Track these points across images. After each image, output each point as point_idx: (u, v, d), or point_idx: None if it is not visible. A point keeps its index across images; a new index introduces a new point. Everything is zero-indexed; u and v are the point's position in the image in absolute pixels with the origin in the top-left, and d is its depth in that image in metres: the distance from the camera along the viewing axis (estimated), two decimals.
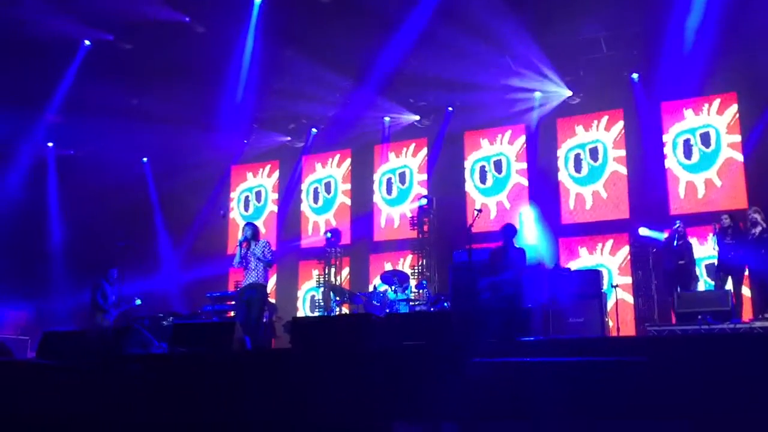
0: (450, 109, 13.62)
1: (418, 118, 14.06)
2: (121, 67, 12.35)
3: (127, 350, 7.47)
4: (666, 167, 12.09)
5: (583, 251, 12.31)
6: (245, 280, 8.90)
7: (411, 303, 11.06)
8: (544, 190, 12.83)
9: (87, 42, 12.13)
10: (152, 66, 12.32)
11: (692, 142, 11.99)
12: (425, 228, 13.14)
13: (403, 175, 14.35)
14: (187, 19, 11.42)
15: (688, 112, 12.10)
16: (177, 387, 6.10)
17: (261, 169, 15.83)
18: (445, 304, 10.38)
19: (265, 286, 9.03)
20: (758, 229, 9.56)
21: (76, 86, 12.60)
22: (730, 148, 11.70)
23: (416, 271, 12.72)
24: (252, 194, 15.80)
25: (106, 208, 13.90)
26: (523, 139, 13.33)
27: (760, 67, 10.98)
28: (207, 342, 7.10)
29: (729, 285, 9.66)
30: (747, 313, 9.83)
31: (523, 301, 8.23)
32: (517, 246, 8.48)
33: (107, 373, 6.26)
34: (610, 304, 10.07)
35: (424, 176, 14.07)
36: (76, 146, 14.97)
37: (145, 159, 15.62)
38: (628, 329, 11.05)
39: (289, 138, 15.27)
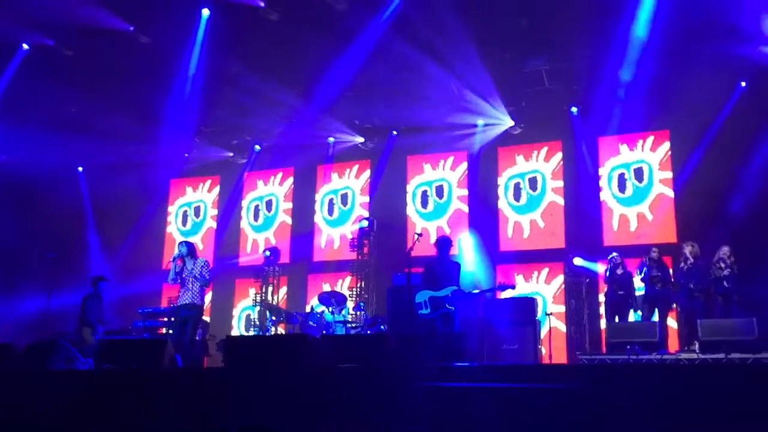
0: (394, 132, 13.73)
1: (362, 140, 14.11)
2: (60, 74, 12.01)
3: (51, 366, 7.21)
4: (601, 200, 12.43)
5: (519, 279, 12.52)
6: (180, 299, 8.75)
7: (348, 325, 11.00)
8: (483, 217, 13.01)
9: (25, 46, 11.77)
10: (93, 74, 12.03)
11: (626, 176, 12.38)
12: (365, 250, 13.14)
13: (345, 197, 14.34)
14: (132, 28, 11.22)
15: (624, 148, 12.50)
16: (103, 405, 5.90)
17: (201, 184, 15.59)
18: (383, 327, 10.37)
19: (201, 306, 8.90)
20: (688, 263, 9.92)
21: (11, 90, 12.18)
22: (661, 184, 12.13)
23: (354, 293, 12.70)
24: (191, 209, 15.52)
25: (37, 218, 13.43)
26: (464, 165, 13.52)
27: (693, 107, 11.46)
28: (136, 359, 6.92)
29: (656, 316, 9.98)
30: (673, 345, 10.14)
31: (457, 322, 8.29)
32: (453, 260, 8.58)
33: (31, 389, 6.01)
34: (544, 331, 10.25)
35: (366, 198, 14.10)
36: (8, 152, 14.43)
37: (80, 168, 15.19)
38: (561, 357, 11.24)
39: (231, 153, 15.10)
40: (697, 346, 9.11)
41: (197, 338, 11.20)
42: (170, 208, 15.61)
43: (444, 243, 8.61)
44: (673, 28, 10.28)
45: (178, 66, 12.00)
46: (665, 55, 10.72)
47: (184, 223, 15.44)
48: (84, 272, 14.18)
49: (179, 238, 15.01)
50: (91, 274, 11.00)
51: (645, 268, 10.14)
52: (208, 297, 14.25)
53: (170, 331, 10.43)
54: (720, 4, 9.65)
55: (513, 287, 9.12)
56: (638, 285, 10.50)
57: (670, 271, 10.42)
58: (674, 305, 10.25)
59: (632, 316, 10.52)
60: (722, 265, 9.64)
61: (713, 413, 4.52)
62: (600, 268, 11.29)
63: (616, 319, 10.10)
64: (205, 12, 11.23)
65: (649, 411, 4.58)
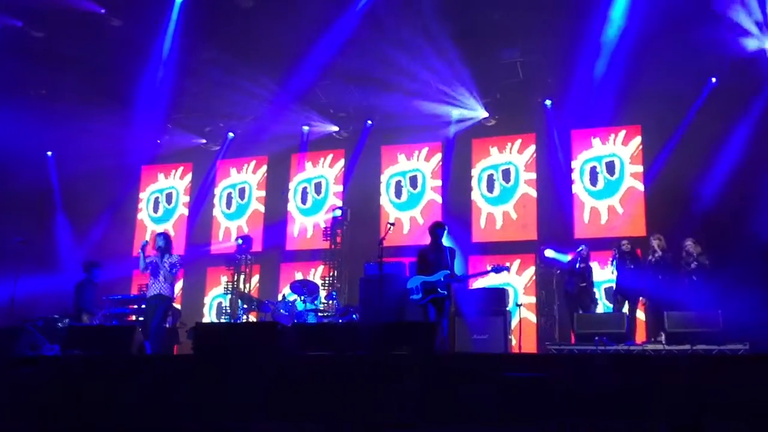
0: (369, 122, 13.71)
1: (337, 129, 14.07)
2: (30, 56, 11.78)
3: (16, 352, 7.11)
4: (573, 192, 12.54)
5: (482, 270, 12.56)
6: (150, 290, 8.79)
7: (320, 314, 10.99)
8: (457, 208, 13.06)
9: None
10: (64, 56, 11.82)
11: (598, 169, 12.50)
12: (338, 239, 13.14)
13: (319, 185, 14.30)
14: (103, 10, 11.04)
15: (596, 141, 12.62)
16: (69, 391, 5.84)
17: (173, 171, 15.43)
18: (354, 316, 10.37)
19: (170, 298, 9.00)
20: (655, 256, 10.06)
21: None
22: (632, 178, 12.27)
23: (327, 282, 12.69)
24: (162, 196, 15.36)
25: (4, 202, 13.20)
26: (439, 156, 13.55)
27: (664, 102, 11.59)
28: (104, 345, 6.86)
29: (626, 308, 10.11)
30: (641, 336, 10.30)
31: (450, 307, 8.22)
32: (447, 245, 8.45)
33: None
34: (514, 322, 10.33)
35: (340, 188, 14.07)
36: None
37: (49, 153, 14.94)
38: (530, 347, 11.35)
39: (204, 141, 14.97)
40: (663, 337, 9.26)
41: (167, 325, 11.16)
42: (141, 195, 15.44)
43: (438, 229, 8.45)
44: (646, 24, 10.40)
45: (151, 50, 11.85)
46: (638, 51, 10.83)
47: (156, 209, 15.29)
48: (52, 257, 14.03)
49: (150, 225, 14.93)
50: (84, 260, 10.85)
51: (615, 260, 10.26)
52: (179, 285, 14.19)
53: (140, 319, 10.35)
54: (691, 1, 9.77)
55: (507, 270, 9.08)
56: (607, 277, 10.62)
57: (640, 263, 10.54)
58: (641, 297, 10.39)
59: (601, 308, 10.64)
60: (690, 259, 9.80)
61: (676, 402, 4.61)
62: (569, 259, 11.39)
63: (579, 311, 10.21)
64: None
65: (609, 395, 4.66)
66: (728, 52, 10.78)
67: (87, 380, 5.93)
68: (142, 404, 5.59)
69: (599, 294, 10.98)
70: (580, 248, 10.70)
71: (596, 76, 11.35)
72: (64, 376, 6.08)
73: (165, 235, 9.10)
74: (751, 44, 10.73)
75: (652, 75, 11.23)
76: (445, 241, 8.53)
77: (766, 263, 9.78)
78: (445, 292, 8.10)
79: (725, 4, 10.03)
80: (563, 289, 10.87)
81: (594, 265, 10.88)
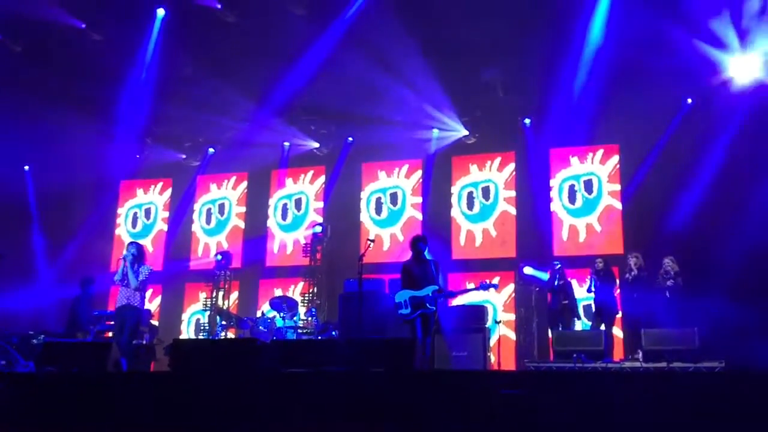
0: (350, 139, 13.74)
1: (317, 145, 14.09)
2: (7, 69, 11.70)
3: None
4: (552, 210, 12.65)
5: (470, 287, 12.58)
6: (119, 300, 8.60)
7: (299, 330, 10.94)
8: (437, 225, 13.10)
9: None
10: (42, 71, 11.76)
11: (576, 188, 12.62)
12: (318, 256, 13.10)
13: (299, 202, 14.29)
14: (83, 25, 11.00)
15: (574, 160, 12.75)
16: (44, 409, 5.75)
17: (153, 186, 15.34)
18: (334, 333, 10.34)
19: (138, 309, 8.68)
20: (632, 274, 10.16)
21: None
22: (610, 196, 12.40)
23: (306, 298, 12.64)
24: (141, 211, 15.25)
25: None
26: (419, 173, 13.61)
27: (641, 122, 11.79)
28: (80, 362, 6.76)
29: (604, 325, 10.18)
30: (618, 353, 10.36)
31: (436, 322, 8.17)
32: (430, 258, 8.25)
33: None
34: (494, 339, 10.36)
35: (321, 204, 14.07)
36: None
37: (26, 167, 14.79)
38: (509, 364, 11.37)
39: (184, 156, 14.90)
40: (640, 355, 9.32)
41: (144, 342, 11.04)
42: (120, 210, 15.32)
43: (420, 243, 8.25)
44: (623, 45, 10.57)
45: (131, 65, 11.83)
46: (615, 71, 10.98)
47: (134, 225, 15.17)
48: (27, 272, 13.84)
49: (128, 240, 14.76)
50: (81, 276, 10.69)
51: (593, 279, 10.35)
52: (156, 301, 14.08)
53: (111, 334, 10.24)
54: (667, 23, 9.94)
55: (496, 287, 9.00)
56: (584, 295, 10.71)
57: (617, 281, 10.65)
58: (618, 315, 10.48)
59: (579, 325, 10.70)
60: (667, 278, 9.90)
61: (653, 422, 4.65)
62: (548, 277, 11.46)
63: (560, 328, 10.27)
64: (160, 12, 11.11)
65: (587, 413, 4.69)
66: (703, 73, 10.99)
67: (62, 398, 5.84)
68: (118, 422, 5.51)
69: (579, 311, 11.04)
70: (556, 265, 10.78)
71: (574, 95, 11.49)
72: (38, 393, 5.98)
73: (138, 245, 8.93)
74: (725, 66, 10.94)
75: (630, 95, 11.40)
76: (427, 254, 8.40)
77: (741, 281, 9.90)
78: (434, 308, 7.96)
79: (700, 26, 10.22)
80: (546, 307, 10.93)
81: (572, 282, 10.95)
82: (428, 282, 8.02)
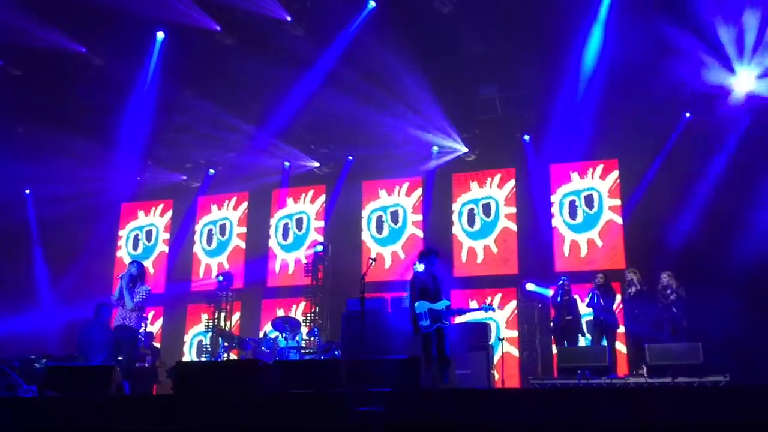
0: (350, 158, 13.77)
1: (318, 164, 14.11)
2: (8, 93, 11.76)
3: None
4: (553, 226, 12.65)
5: (473, 304, 12.57)
6: (116, 320, 8.53)
7: (302, 351, 10.90)
8: (438, 242, 13.06)
9: None
10: (43, 94, 11.82)
11: (577, 203, 12.63)
12: (319, 275, 13.09)
13: (300, 221, 14.30)
14: (84, 49, 11.07)
15: (575, 175, 12.77)
16: None
17: (153, 208, 15.35)
18: (336, 352, 10.29)
19: (133, 329, 8.57)
20: (633, 289, 10.14)
21: None
22: (611, 211, 12.41)
23: (308, 318, 12.61)
24: (142, 233, 15.25)
25: None
26: (419, 191, 13.63)
27: (641, 137, 11.83)
28: (83, 386, 6.73)
29: (605, 341, 10.15)
30: (622, 369, 10.31)
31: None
32: (436, 272, 8.19)
33: None
34: (497, 356, 10.31)
35: (321, 223, 14.07)
36: None
37: (27, 191, 14.81)
38: (513, 381, 11.31)
39: (185, 177, 14.93)
40: (645, 370, 9.28)
41: (146, 365, 10.99)
42: (121, 232, 15.32)
43: (430, 255, 8.23)
44: (621, 61, 10.63)
45: (132, 88, 11.88)
46: (613, 87, 11.04)
47: (135, 247, 15.16)
48: (29, 296, 13.81)
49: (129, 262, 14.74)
50: (95, 301, 10.56)
51: (594, 295, 10.32)
52: (158, 323, 14.04)
53: (119, 358, 10.17)
54: (666, 38, 10.00)
55: (493, 310, 8.93)
56: (586, 311, 10.68)
57: (618, 296, 10.63)
58: (619, 329, 10.45)
59: (583, 341, 10.67)
60: (668, 292, 9.86)
61: None
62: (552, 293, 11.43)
63: (565, 344, 10.23)
64: (160, 35, 11.18)
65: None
66: (702, 88, 11.02)
67: (65, 422, 5.81)
68: None
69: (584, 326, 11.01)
70: (561, 281, 10.75)
71: (573, 111, 11.52)
72: (41, 418, 5.94)
73: (138, 264, 8.85)
74: (724, 80, 10.98)
75: (628, 110, 11.46)
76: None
77: (743, 296, 9.87)
78: (447, 323, 7.93)
79: (699, 41, 10.28)
80: (550, 323, 10.90)
81: (575, 298, 10.92)
82: (441, 297, 7.98)
